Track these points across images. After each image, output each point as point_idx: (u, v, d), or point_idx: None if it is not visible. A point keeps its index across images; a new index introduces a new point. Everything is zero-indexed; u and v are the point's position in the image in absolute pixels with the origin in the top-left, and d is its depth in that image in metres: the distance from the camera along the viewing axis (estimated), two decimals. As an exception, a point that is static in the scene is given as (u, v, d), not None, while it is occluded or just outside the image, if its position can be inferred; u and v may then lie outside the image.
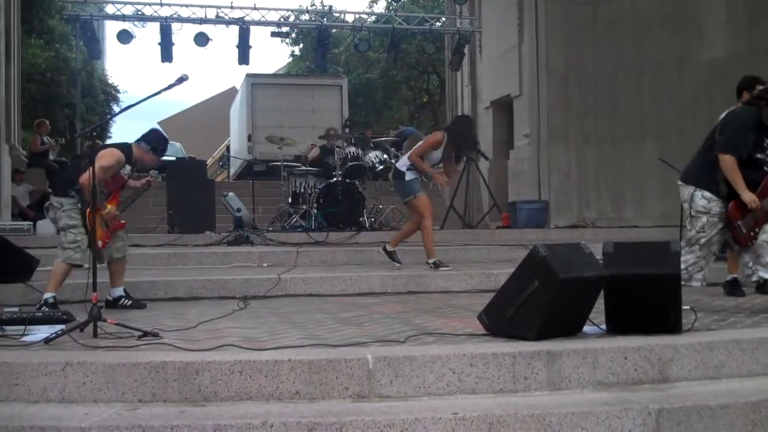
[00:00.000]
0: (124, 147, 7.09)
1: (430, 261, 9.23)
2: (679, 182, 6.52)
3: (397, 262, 9.57)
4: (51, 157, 17.82)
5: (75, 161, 7.06)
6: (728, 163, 6.12)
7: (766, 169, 6.27)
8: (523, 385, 4.41)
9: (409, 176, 9.39)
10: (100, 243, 6.78)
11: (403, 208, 14.78)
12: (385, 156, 14.45)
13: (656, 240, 6.80)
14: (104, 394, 4.19)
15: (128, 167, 7.07)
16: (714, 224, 6.22)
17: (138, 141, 7.20)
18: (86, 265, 6.85)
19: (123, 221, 7.15)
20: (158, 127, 7.30)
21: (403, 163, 9.59)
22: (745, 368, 4.74)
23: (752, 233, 6.12)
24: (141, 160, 7.18)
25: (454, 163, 9.82)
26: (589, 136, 16.53)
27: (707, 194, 6.22)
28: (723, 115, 6.59)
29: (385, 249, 9.74)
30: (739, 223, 6.11)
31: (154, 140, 7.25)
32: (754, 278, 6.28)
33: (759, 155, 6.23)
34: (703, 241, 6.25)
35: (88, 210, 6.51)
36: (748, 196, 6.08)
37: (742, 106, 6.45)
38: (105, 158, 6.70)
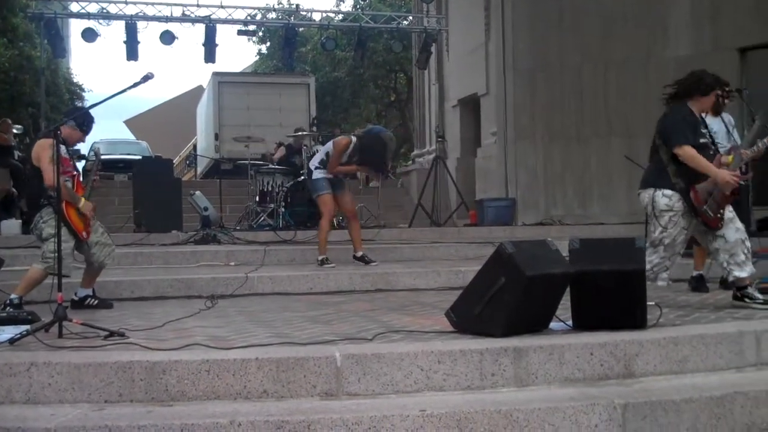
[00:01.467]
0: (48, 134, 7.05)
1: (320, 258, 9.60)
2: (639, 190, 6.57)
3: (372, 262, 9.64)
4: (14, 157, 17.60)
5: (30, 172, 7.03)
6: (689, 152, 6.18)
7: (711, 152, 6.37)
8: (490, 381, 4.43)
9: (316, 175, 9.76)
10: (85, 234, 6.88)
11: (371, 206, 14.85)
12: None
13: (622, 236, 6.86)
14: (70, 395, 4.16)
15: (63, 147, 7.00)
16: (676, 222, 6.27)
17: (64, 121, 7.19)
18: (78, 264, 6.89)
19: (93, 204, 7.11)
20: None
21: (313, 162, 9.99)
22: (710, 363, 4.80)
23: (719, 215, 6.20)
24: (69, 138, 7.15)
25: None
26: (556, 134, 16.61)
27: (667, 192, 6.28)
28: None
29: (354, 257, 9.88)
30: (705, 207, 6.18)
31: (80, 118, 7.24)
32: (731, 278, 6.33)
33: (702, 140, 6.33)
34: (667, 241, 6.30)
35: (63, 204, 6.48)
36: (721, 173, 6.14)
37: (672, 107, 6.54)
38: (44, 152, 6.67)
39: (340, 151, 9.65)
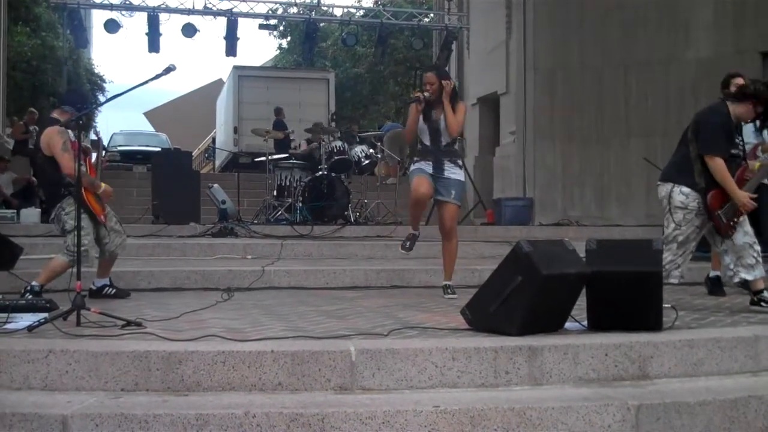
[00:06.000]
0: (52, 122, 7.06)
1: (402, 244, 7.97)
2: (658, 182, 6.58)
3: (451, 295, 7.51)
4: (30, 145, 17.80)
5: (41, 161, 7.01)
6: (719, 165, 6.17)
7: (739, 162, 6.37)
8: (504, 379, 4.44)
9: (411, 167, 7.88)
10: (103, 217, 6.93)
11: (388, 202, 14.83)
12: (370, 150, 14.48)
13: (639, 238, 6.84)
14: (87, 383, 4.19)
15: (69, 132, 7.03)
16: (690, 221, 6.28)
17: (60, 107, 7.21)
18: (93, 268, 6.92)
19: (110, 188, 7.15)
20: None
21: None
22: (724, 366, 4.78)
23: (732, 223, 6.18)
24: (68, 122, 7.19)
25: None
26: (575, 135, 16.58)
27: (685, 189, 6.28)
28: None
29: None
30: (719, 212, 6.17)
31: (74, 99, 7.30)
32: (736, 280, 6.33)
33: (734, 150, 6.32)
34: (680, 239, 6.31)
35: (84, 192, 6.51)
36: (743, 196, 6.13)
37: (714, 105, 6.49)
38: (55, 141, 6.71)
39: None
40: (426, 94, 7.32)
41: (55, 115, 7.13)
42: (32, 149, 17.17)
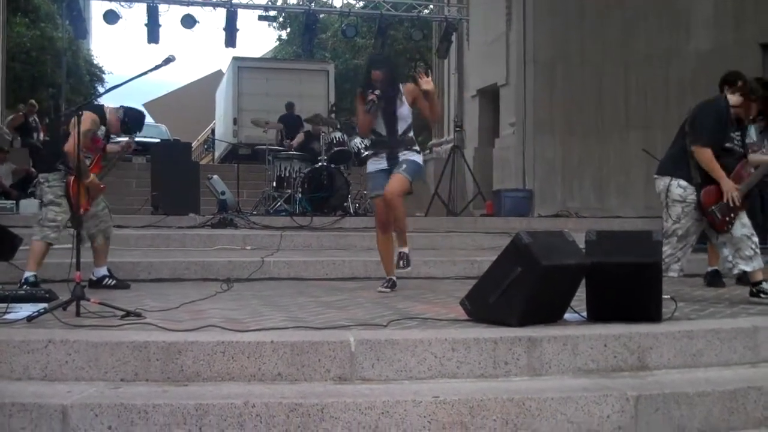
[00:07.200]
0: (97, 109, 7.09)
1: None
2: (655, 175, 6.57)
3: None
4: (39, 136, 17.84)
5: (55, 134, 7.06)
6: (705, 155, 6.17)
7: (736, 158, 6.36)
8: (503, 370, 4.44)
9: (369, 167, 7.48)
10: (81, 209, 6.81)
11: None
12: (369, 142, 14.44)
13: (639, 230, 6.84)
14: (86, 373, 4.19)
15: (103, 128, 7.05)
16: (689, 213, 6.28)
17: (118, 108, 7.23)
18: (66, 245, 6.89)
19: (102, 185, 7.13)
20: (143, 109, 7.38)
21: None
22: (723, 357, 4.79)
23: (727, 218, 6.18)
24: (110, 125, 7.20)
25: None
26: (575, 127, 16.57)
27: (683, 183, 6.28)
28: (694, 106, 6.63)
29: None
30: (713, 208, 6.18)
31: (131, 116, 7.36)
32: (735, 271, 6.35)
33: (728, 145, 6.31)
34: (680, 233, 6.31)
35: (71, 179, 6.50)
36: (729, 185, 6.14)
37: (713, 98, 6.49)
38: (85, 125, 6.69)
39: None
40: (377, 92, 7.12)
41: (105, 107, 7.22)
42: (32, 141, 17.25)
